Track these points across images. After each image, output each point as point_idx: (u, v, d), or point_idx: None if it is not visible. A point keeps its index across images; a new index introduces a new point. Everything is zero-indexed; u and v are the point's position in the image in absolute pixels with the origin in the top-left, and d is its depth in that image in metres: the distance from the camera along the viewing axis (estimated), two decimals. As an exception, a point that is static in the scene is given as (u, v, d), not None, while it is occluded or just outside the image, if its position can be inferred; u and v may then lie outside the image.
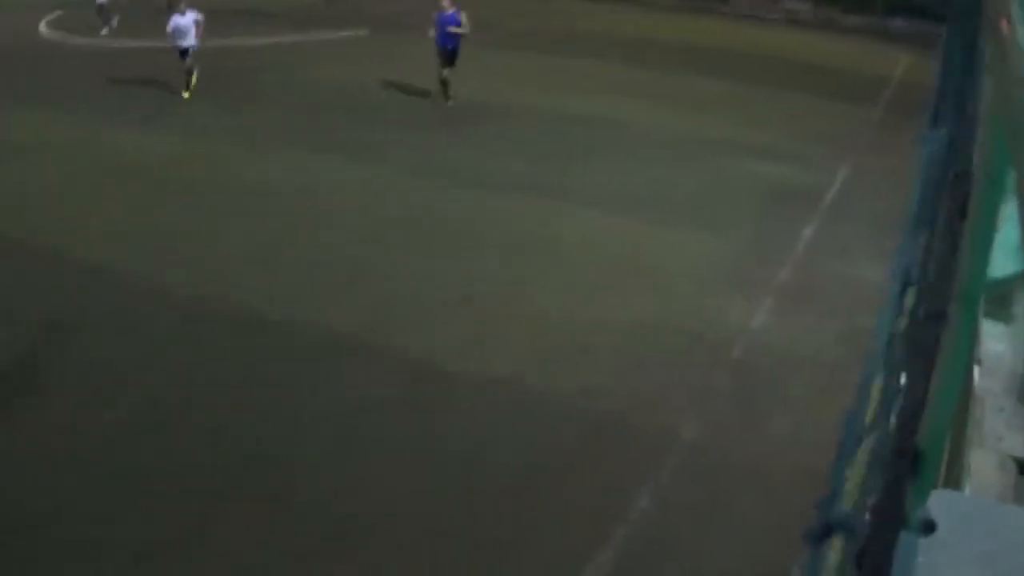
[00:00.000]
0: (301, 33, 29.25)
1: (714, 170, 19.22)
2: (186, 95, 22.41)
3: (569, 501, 9.21)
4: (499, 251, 14.85)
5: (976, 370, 3.75)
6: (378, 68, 25.73)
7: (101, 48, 26.98)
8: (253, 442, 9.87)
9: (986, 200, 3.20)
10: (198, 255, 14.16)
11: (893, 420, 3.08)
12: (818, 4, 37.38)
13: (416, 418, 10.44)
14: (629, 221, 16.27)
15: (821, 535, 1.69)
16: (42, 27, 28.89)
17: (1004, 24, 3.10)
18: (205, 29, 22.30)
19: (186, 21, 21.87)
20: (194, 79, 22.70)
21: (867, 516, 1.78)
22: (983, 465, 3.35)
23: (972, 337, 3.61)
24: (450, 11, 22.61)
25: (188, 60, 22.33)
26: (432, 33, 22.72)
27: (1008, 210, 3.54)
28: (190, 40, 22.08)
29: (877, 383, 3.57)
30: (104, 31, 28.08)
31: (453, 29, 22.58)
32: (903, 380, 3.43)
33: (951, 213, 3.28)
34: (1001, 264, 3.86)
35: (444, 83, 23.13)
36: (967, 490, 3.19)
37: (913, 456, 2.99)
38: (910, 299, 3.44)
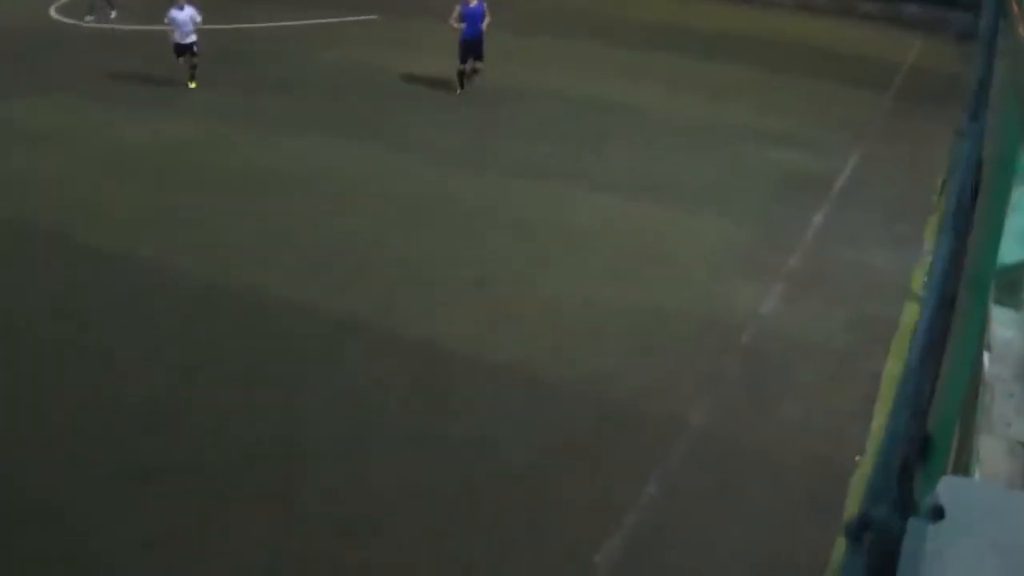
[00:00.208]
0: (312, 17, 29.19)
1: (726, 156, 19.17)
2: (193, 84, 21.77)
3: (579, 487, 9.22)
4: (512, 235, 14.84)
5: (986, 356, 3.74)
6: (389, 52, 25.66)
7: (111, 32, 26.95)
8: (262, 429, 9.89)
9: (997, 187, 3.20)
10: (211, 239, 14.16)
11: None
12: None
13: (427, 403, 10.46)
14: (642, 206, 16.26)
15: (860, 529, 1.69)
16: (52, 11, 28.87)
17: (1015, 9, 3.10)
18: (216, 13, 22.03)
19: (183, 16, 21.11)
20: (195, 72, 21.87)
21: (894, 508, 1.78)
22: (992, 451, 3.34)
23: (982, 323, 3.60)
24: (475, 3, 22.13)
25: (194, 58, 21.51)
26: (457, 25, 22.15)
27: (1019, 197, 3.53)
28: (191, 37, 21.34)
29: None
30: (113, 14, 28.00)
31: (484, 24, 22.19)
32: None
33: (962, 199, 3.27)
34: (1011, 250, 3.85)
35: (472, 73, 22.60)
36: (976, 476, 3.18)
37: (922, 442, 2.99)
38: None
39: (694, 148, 19.53)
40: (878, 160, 19.35)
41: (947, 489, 1.97)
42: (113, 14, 27.93)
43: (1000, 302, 3.95)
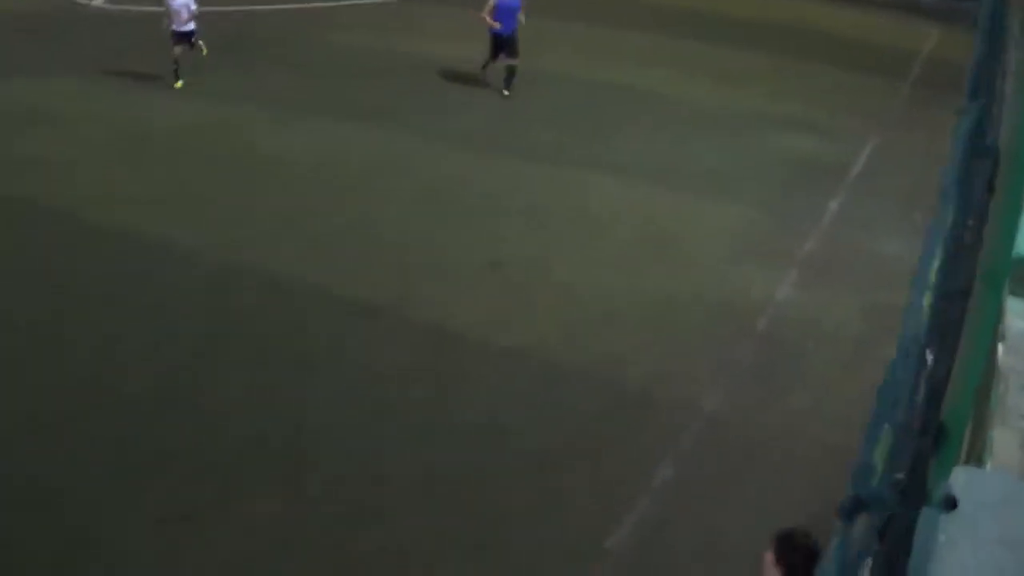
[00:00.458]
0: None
1: (741, 141, 19.15)
2: (178, 85, 20.15)
3: (591, 472, 9.25)
4: (526, 219, 14.85)
5: (1000, 347, 3.74)
6: (405, 36, 25.61)
7: (121, 13, 26.93)
8: (272, 413, 9.92)
9: (1012, 177, 3.20)
10: (222, 222, 14.18)
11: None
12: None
13: (439, 388, 10.49)
14: (657, 191, 16.25)
15: (853, 509, 1.70)
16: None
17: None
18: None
19: (176, 4, 19.75)
20: (202, 49, 20.44)
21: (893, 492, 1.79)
22: (1005, 442, 3.35)
23: (996, 314, 3.60)
24: None
25: (181, 49, 20.04)
26: (490, 20, 20.84)
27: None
28: (190, 25, 20.02)
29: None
30: None
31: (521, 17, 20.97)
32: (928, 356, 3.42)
33: (978, 189, 3.26)
34: (1027, 241, 3.85)
35: (507, 72, 21.16)
36: (989, 467, 3.19)
37: (936, 432, 3.00)
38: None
39: (709, 133, 19.49)
40: (894, 148, 19.30)
41: (960, 480, 1.98)
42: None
43: (1015, 293, 3.95)
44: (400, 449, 9.40)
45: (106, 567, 7.82)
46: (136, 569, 7.80)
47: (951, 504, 1.86)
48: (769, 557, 5.27)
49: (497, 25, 20.81)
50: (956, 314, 3.30)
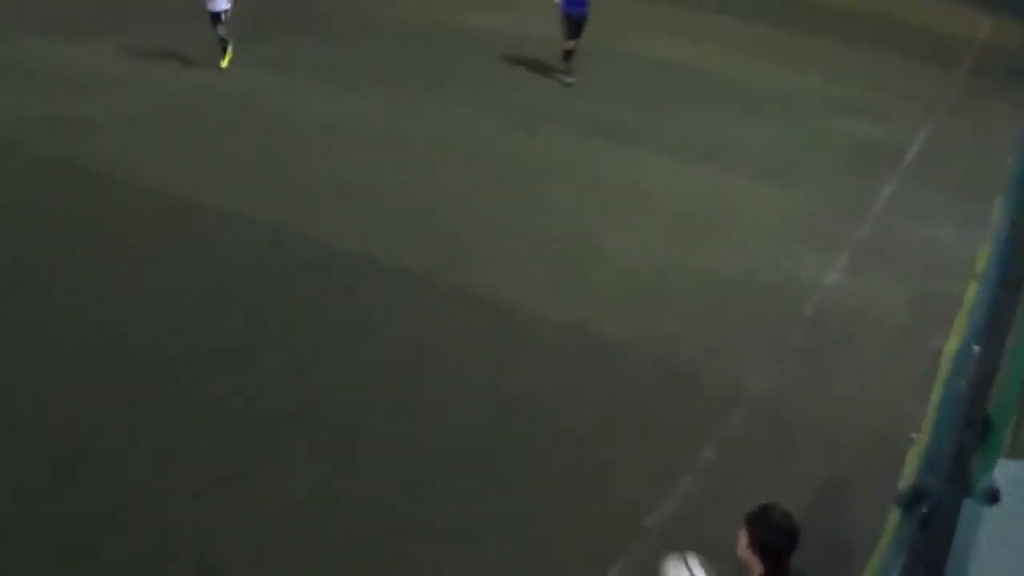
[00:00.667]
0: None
1: (795, 123, 19.02)
2: (224, 64, 19.69)
3: (636, 449, 9.30)
4: (578, 193, 14.87)
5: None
6: (464, 6, 25.60)
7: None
8: (322, 378, 10.08)
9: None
10: (275, 189, 14.33)
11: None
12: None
13: (488, 359, 10.58)
14: (709, 170, 16.21)
15: (911, 501, 1.76)
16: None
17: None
18: None
19: None
20: (229, 50, 19.79)
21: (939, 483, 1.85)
22: (1051, 437, 3.38)
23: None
24: None
25: (219, 28, 19.41)
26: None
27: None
28: (223, 4, 19.17)
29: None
30: None
31: None
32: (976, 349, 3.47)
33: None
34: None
35: (568, 54, 20.25)
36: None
37: (982, 425, 3.03)
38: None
39: (763, 114, 19.38)
40: (949, 135, 19.10)
41: (1004, 473, 2.02)
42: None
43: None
44: (447, 419, 9.51)
45: (155, 527, 7.97)
46: (185, 529, 7.97)
47: (994, 497, 1.91)
48: (743, 539, 4.92)
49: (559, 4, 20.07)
50: (1008, 306, 3.34)
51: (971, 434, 2.73)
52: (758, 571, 4.73)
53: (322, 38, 22.40)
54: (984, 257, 13.02)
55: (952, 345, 11.16)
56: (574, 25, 20.02)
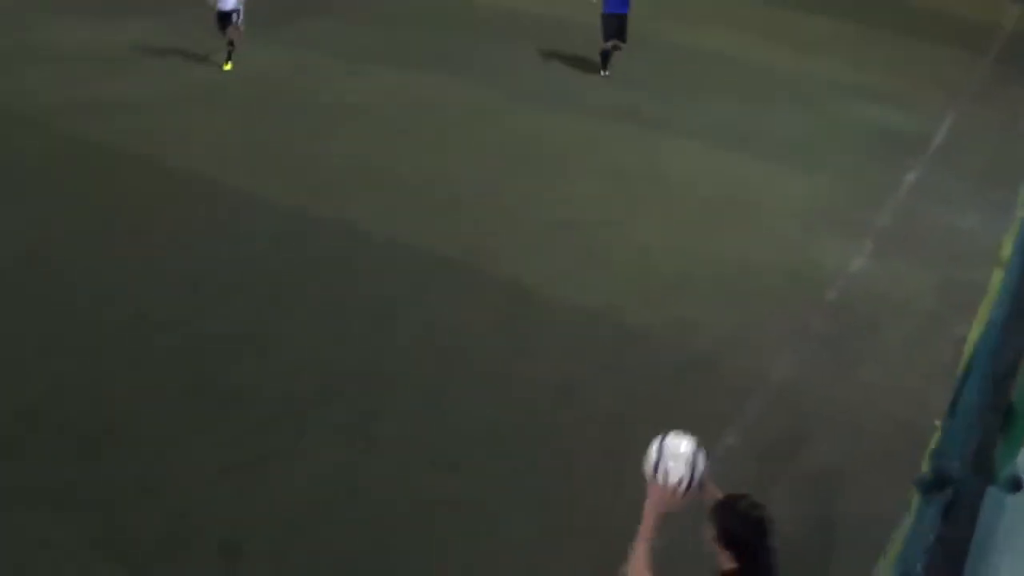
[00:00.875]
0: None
1: (819, 109, 18.99)
2: (227, 67, 18.70)
3: (657, 434, 9.28)
4: (601, 179, 14.90)
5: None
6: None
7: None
8: (345, 360, 10.12)
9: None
10: (300, 170, 14.40)
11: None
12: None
13: (512, 343, 10.62)
14: (732, 156, 16.21)
15: (932, 486, 1.78)
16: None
17: None
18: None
19: None
20: (234, 48, 18.72)
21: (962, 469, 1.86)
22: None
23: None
24: None
25: (228, 30, 18.47)
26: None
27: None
28: (231, 3, 18.28)
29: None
30: None
31: None
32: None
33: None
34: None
35: (613, 50, 19.95)
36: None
37: (1005, 413, 3.04)
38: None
39: (787, 100, 19.35)
40: (974, 123, 19.02)
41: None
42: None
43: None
44: (471, 401, 9.54)
45: (172, 512, 7.98)
46: (208, 509, 8.00)
47: (1016, 485, 1.92)
48: (710, 532, 4.70)
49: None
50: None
51: (994, 422, 2.74)
52: (728, 567, 4.60)
53: (348, 20, 22.41)
54: (1009, 244, 12.95)
55: (976, 333, 11.13)
56: (614, 26, 19.78)
